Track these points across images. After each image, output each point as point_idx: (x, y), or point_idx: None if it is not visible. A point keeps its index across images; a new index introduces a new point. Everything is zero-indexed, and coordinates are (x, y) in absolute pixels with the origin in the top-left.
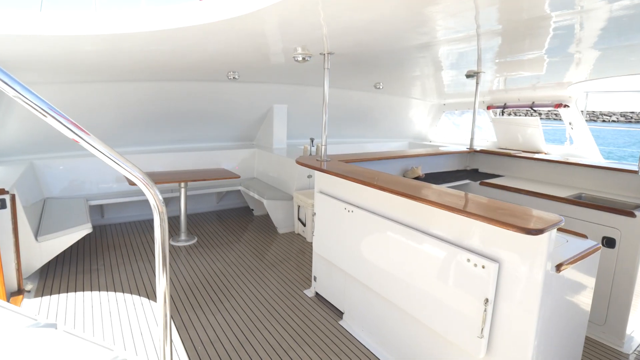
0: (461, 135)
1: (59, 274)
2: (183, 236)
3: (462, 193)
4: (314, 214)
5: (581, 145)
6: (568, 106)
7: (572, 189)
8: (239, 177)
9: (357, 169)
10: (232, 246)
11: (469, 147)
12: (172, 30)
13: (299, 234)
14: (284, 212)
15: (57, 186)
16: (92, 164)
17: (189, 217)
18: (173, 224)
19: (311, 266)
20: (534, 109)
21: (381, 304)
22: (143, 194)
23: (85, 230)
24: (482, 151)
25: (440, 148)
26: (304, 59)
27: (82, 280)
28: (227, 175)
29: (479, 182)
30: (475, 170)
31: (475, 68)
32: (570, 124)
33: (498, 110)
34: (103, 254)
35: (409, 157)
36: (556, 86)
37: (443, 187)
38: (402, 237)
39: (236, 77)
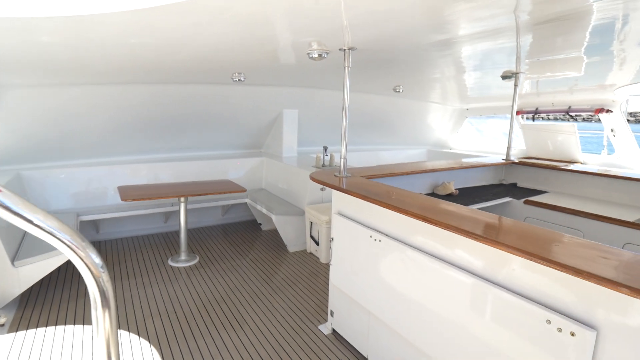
0: (486, 143)
1: (41, 303)
2: (183, 256)
3: (534, 229)
4: (331, 240)
5: (624, 154)
6: (611, 111)
7: (637, 209)
8: (244, 190)
9: (383, 188)
10: (237, 267)
11: (504, 157)
12: (151, 10)
13: (311, 254)
14: (295, 228)
15: (47, 199)
16: (87, 175)
17: (191, 231)
18: (173, 241)
19: (326, 293)
20: (571, 114)
21: (418, 357)
22: (142, 208)
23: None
24: (520, 163)
25: (467, 159)
26: (320, 55)
27: (66, 310)
28: (231, 188)
29: (522, 200)
30: (514, 185)
31: (512, 68)
32: (612, 130)
33: (528, 116)
34: None
35: (440, 170)
36: (597, 89)
37: (508, 220)
38: (452, 283)
39: (242, 79)
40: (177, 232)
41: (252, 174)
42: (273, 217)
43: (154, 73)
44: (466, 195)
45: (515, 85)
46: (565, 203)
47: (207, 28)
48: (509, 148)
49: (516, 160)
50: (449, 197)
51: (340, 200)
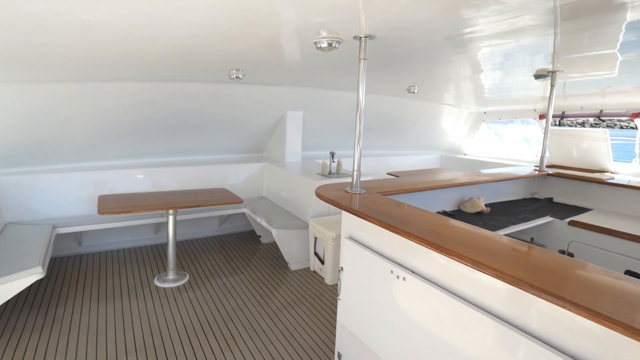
0: (504, 149)
1: (10, 330)
2: (171, 274)
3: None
4: (340, 269)
5: None
6: None
7: None
8: (240, 201)
9: (408, 211)
10: (231, 287)
11: (537, 167)
12: None
13: (315, 272)
14: (298, 244)
15: (24, 208)
16: (66, 182)
17: (183, 244)
18: (163, 254)
19: (331, 323)
20: (602, 118)
21: None
22: (128, 219)
23: (33, 276)
24: (557, 175)
25: (497, 170)
26: (330, 45)
27: (38, 339)
28: (226, 198)
29: (566, 220)
30: (550, 201)
31: (547, 65)
32: None
33: (554, 121)
34: (75, 294)
35: (468, 185)
36: (634, 91)
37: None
38: (511, 346)
39: (240, 76)
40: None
41: (252, 181)
42: (273, 231)
43: (134, 67)
44: (498, 213)
45: (552, 86)
46: (617, 224)
47: (189, 17)
48: (543, 157)
49: (551, 172)
50: (479, 215)
51: (353, 222)
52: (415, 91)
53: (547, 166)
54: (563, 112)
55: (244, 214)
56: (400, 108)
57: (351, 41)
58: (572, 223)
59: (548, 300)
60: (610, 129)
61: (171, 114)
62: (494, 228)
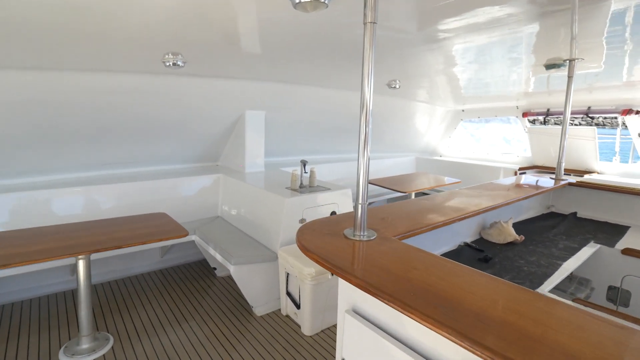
0: (483, 150)
1: None
2: (84, 342)
3: None
4: None
5: None
6: None
7: None
8: (185, 234)
9: (453, 282)
10: (176, 347)
11: (554, 176)
12: None
13: (288, 317)
14: (264, 280)
15: None
16: None
17: (113, 286)
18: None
19: None
20: (591, 115)
21: None
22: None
23: None
24: (581, 184)
25: (507, 180)
26: None
27: None
28: (165, 231)
29: (617, 248)
30: (574, 216)
31: (561, 54)
32: (639, 135)
33: (537, 119)
34: None
35: (493, 209)
36: (623, 87)
37: None
38: None
39: (179, 63)
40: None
41: (204, 197)
42: (231, 268)
43: (14, 47)
44: (531, 240)
45: (569, 77)
46: None
47: None
48: (560, 164)
49: (573, 181)
50: (513, 248)
51: (356, 289)
52: (397, 87)
53: (528, 167)
54: (548, 110)
55: (193, 241)
56: (375, 107)
57: (330, 22)
58: (627, 252)
59: None
60: (599, 127)
61: (89, 116)
62: (545, 276)
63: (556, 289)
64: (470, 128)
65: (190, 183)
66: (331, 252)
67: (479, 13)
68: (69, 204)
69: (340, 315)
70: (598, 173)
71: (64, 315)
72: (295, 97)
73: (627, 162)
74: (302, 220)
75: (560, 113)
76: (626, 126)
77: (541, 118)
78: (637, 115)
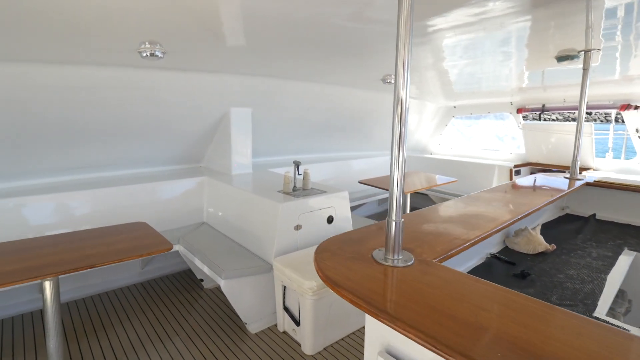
0: (475, 147)
1: None
2: None
3: None
4: None
5: None
6: None
7: None
8: (169, 248)
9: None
10: None
11: (568, 175)
12: None
13: (286, 334)
14: (258, 294)
15: None
16: None
17: (88, 303)
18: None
19: None
20: (588, 111)
21: None
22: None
23: None
24: (599, 184)
25: (523, 180)
26: None
27: None
28: (145, 245)
29: None
30: (594, 218)
31: (576, 45)
32: (637, 131)
33: (534, 115)
34: None
35: (525, 217)
36: (621, 81)
37: None
38: None
39: (157, 54)
40: (64, 309)
41: (188, 202)
42: (221, 282)
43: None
44: (561, 249)
45: (585, 69)
46: None
47: None
48: (575, 162)
49: (591, 180)
50: (545, 259)
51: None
52: (392, 81)
53: (523, 165)
54: (543, 105)
55: (177, 251)
56: (364, 103)
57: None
58: None
59: None
60: (597, 122)
61: (56, 114)
62: (594, 295)
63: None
64: (459, 125)
65: (171, 187)
66: (362, 285)
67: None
68: (35, 214)
69: (370, 356)
70: (594, 170)
71: (31, 339)
72: (284, 92)
73: (619, 158)
74: (297, 227)
75: (557, 109)
76: (619, 121)
77: (536, 114)
78: (635, 110)
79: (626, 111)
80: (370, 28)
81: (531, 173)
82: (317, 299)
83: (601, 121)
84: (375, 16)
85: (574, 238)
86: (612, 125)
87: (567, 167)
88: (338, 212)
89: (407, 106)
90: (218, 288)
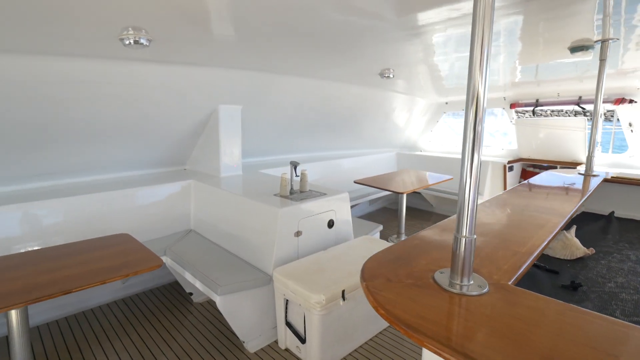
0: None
1: None
2: None
3: None
4: None
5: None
6: (634, 101)
7: None
8: (159, 264)
9: None
10: None
11: (583, 172)
12: None
13: (288, 351)
14: (256, 308)
15: None
16: None
17: (62, 325)
18: None
19: None
20: (582, 106)
21: None
22: None
23: None
24: (617, 180)
25: (538, 179)
26: None
27: None
28: (129, 265)
29: None
30: (613, 215)
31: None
32: (630, 125)
33: (525, 110)
34: None
35: (567, 223)
36: (615, 75)
37: None
38: None
39: (143, 41)
40: (35, 333)
41: (173, 208)
42: (217, 298)
43: None
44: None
45: (602, 60)
46: None
47: None
48: (591, 159)
49: (608, 177)
50: (584, 265)
51: None
52: (391, 76)
53: (516, 160)
54: (537, 100)
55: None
56: (356, 99)
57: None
58: None
59: None
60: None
61: (24, 112)
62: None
63: None
64: (450, 122)
65: (154, 192)
66: (439, 323)
67: None
68: (14, 221)
69: None
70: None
71: None
72: (275, 88)
73: (607, 152)
74: (298, 233)
75: (551, 103)
76: (608, 119)
77: (531, 110)
78: (630, 104)
79: (620, 105)
80: (365, 22)
81: (523, 169)
82: (325, 314)
83: (590, 119)
84: (371, 9)
85: (604, 239)
86: (601, 120)
87: (559, 162)
88: (339, 215)
89: (484, 103)
90: (209, 302)
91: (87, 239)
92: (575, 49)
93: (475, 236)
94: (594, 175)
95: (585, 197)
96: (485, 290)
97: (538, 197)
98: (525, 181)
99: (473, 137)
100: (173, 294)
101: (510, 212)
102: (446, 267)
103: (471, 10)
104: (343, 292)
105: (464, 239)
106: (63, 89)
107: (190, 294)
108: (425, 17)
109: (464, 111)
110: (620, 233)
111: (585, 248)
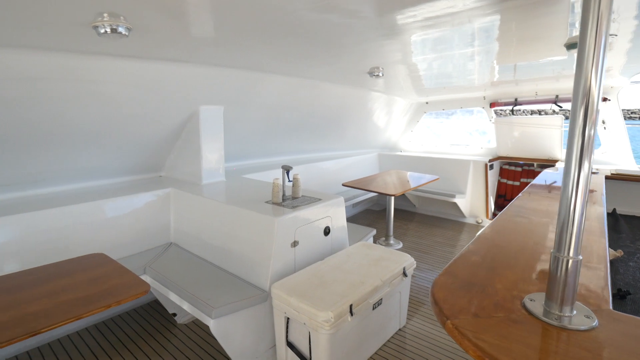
0: (445, 143)
1: None
2: None
3: None
4: None
5: (612, 149)
6: (608, 100)
7: None
8: (146, 290)
9: None
10: None
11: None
12: None
13: None
14: (252, 329)
15: None
16: None
17: (27, 355)
18: None
19: None
20: (559, 104)
21: None
22: None
23: None
24: (616, 177)
25: (542, 176)
26: None
27: None
28: (110, 294)
29: None
30: (616, 212)
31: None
32: (603, 122)
33: (505, 109)
34: None
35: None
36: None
37: None
38: None
39: (121, 30)
40: None
41: (151, 220)
42: (210, 322)
43: None
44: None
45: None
46: None
47: None
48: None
49: (609, 174)
50: (612, 266)
51: None
52: (380, 74)
53: (495, 159)
54: (516, 99)
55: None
56: (340, 99)
57: None
58: None
59: None
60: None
61: None
62: None
63: None
64: (429, 122)
65: (128, 203)
66: None
67: None
68: None
69: None
70: (562, 161)
71: None
72: (259, 87)
73: None
74: (294, 243)
75: (530, 102)
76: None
77: (511, 109)
78: (604, 102)
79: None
80: (352, 20)
81: (501, 167)
82: (334, 333)
83: (566, 117)
84: (355, 8)
85: (619, 239)
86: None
87: (536, 160)
88: (334, 221)
89: (597, 105)
90: (195, 322)
91: (53, 263)
92: (570, 46)
93: (581, 257)
94: (594, 173)
95: (604, 195)
96: (595, 324)
97: (551, 194)
98: (537, 181)
99: (582, 142)
100: (153, 316)
101: (540, 221)
102: (531, 291)
103: (449, 11)
104: (351, 306)
105: (569, 261)
106: (21, 87)
107: (174, 314)
108: (406, 16)
109: (570, 112)
110: (630, 231)
111: (614, 251)
